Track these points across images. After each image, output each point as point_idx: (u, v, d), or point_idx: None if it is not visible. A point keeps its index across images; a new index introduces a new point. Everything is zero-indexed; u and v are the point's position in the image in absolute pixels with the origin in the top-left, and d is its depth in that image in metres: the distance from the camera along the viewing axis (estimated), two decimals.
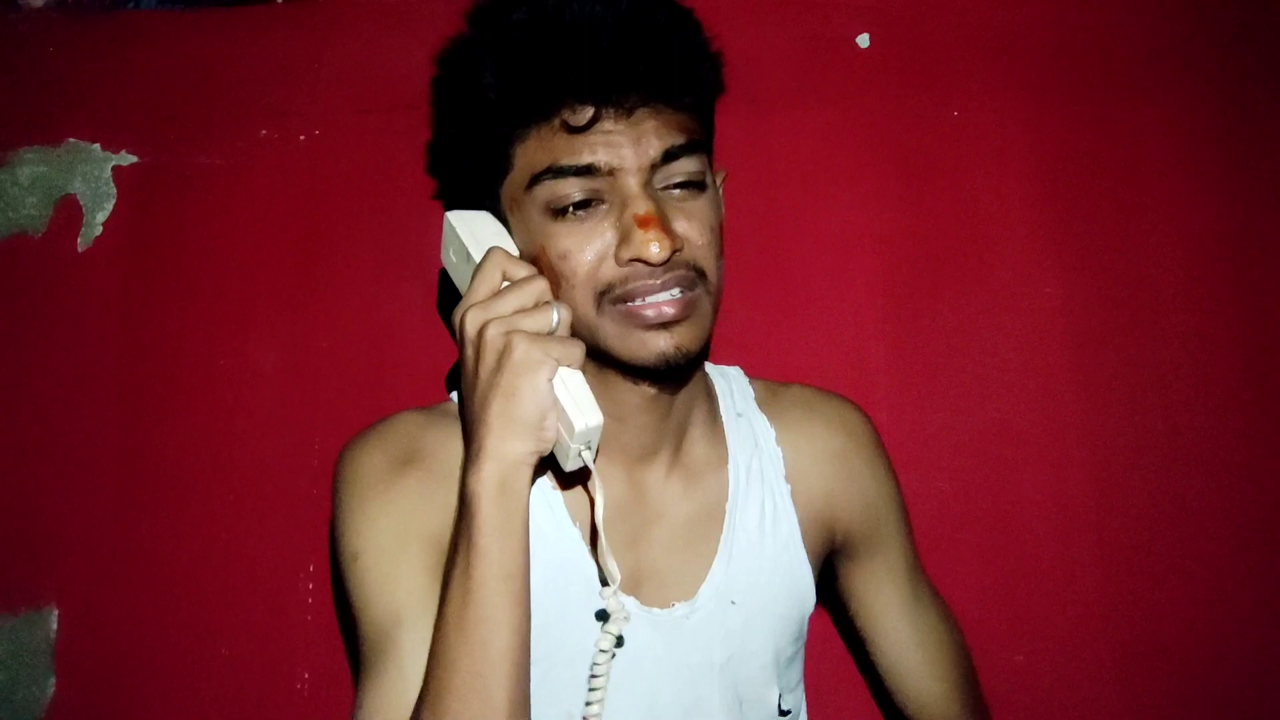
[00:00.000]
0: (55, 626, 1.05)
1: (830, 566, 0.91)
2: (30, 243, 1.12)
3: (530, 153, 0.73)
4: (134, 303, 1.11)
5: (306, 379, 1.09)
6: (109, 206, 1.12)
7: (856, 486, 0.89)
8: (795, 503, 0.86)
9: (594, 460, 0.71)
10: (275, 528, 1.06)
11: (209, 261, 1.11)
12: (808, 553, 0.86)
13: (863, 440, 0.91)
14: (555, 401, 0.68)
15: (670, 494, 0.83)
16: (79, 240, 1.12)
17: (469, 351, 0.69)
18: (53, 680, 1.04)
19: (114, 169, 1.13)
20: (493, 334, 0.67)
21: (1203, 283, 1.07)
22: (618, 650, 0.73)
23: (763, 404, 0.90)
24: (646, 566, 0.81)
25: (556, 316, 0.69)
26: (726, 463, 0.86)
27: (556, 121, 0.71)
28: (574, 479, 0.80)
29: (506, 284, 0.71)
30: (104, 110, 1.14)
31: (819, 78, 1.12)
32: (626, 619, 0.70)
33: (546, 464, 0.74)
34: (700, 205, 0.75)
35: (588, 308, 0.73)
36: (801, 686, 0.89)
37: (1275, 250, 1.07)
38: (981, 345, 1.07)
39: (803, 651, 0.89)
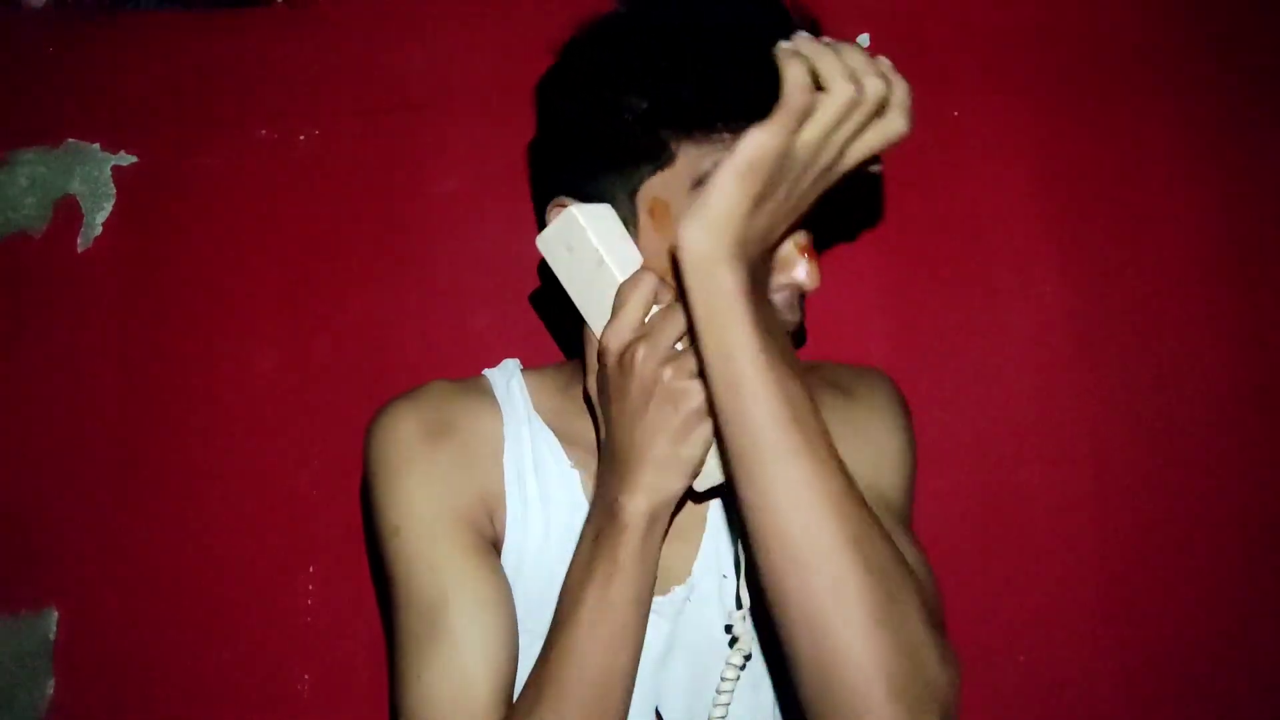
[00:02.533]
0: (55, 627, 1.05)
1: None
2: (30, 243, 1.12)
3: (703, 155, 0.70)
4: (133, 303, 1.11)
5: (306, 379, 1.09)
6: (109, 206, 1.12)
7: (861, 437, 0.85)
8: None
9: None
10: (275, 529, 1.06)
11: (208, 262, 1.11)
12: None
13: (878, 397, 0.89)
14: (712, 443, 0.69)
15: None
16: (79, 240, 1.12)
17: (634, 388, 0.68)
18: (52, 680, 1.04)
19: (114, 169, 1.13)
20: (670, 378, 0.67)
21: (1203, 281, 1.07)
22: (742, 670, 0.75)
23: None
24: None
25: None
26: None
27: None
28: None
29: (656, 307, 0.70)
30: (104, 110, 1.14)
31: None
32: (754, 639, 0.73)
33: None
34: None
35: None
36: None
37: (1276, 249, 1.07)
38: (981, 345, 1.07)
39: None
